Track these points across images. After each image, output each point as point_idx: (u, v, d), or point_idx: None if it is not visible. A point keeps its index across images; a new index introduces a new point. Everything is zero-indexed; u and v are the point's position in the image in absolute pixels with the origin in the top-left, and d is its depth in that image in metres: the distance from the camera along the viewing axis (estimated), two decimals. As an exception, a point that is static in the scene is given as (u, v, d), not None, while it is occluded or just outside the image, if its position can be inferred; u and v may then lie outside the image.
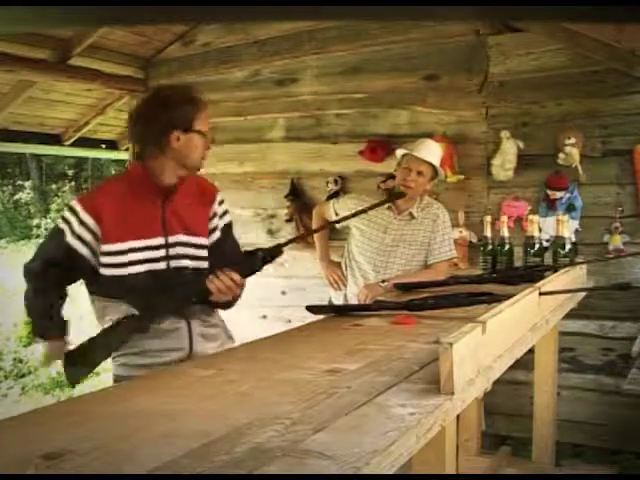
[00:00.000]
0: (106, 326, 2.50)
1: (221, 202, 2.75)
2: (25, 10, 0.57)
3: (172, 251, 2.54)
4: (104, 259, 2.46)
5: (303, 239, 3.20)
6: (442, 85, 4.92)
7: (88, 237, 2.45)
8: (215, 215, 2.70)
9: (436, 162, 3.65)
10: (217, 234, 2.70)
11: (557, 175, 4.50)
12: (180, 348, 2.56)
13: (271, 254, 2.56)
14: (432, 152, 3.67)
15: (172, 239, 2.54)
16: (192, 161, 2.53)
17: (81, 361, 2.49)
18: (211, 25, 5.57)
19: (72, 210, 2.48)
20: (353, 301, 3.74)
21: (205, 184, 2.75)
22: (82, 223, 2.45)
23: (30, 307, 2.61)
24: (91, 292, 2.61)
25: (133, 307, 2.48)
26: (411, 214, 3.73)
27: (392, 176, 4.10)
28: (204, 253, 2.63)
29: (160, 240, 2.52)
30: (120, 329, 2.47)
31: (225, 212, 2.75)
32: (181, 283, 2.53)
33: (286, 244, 2.65)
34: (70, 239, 2.46)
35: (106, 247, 2.45)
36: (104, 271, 2.48)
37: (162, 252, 2.53)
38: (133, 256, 2.47)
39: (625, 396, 3.85)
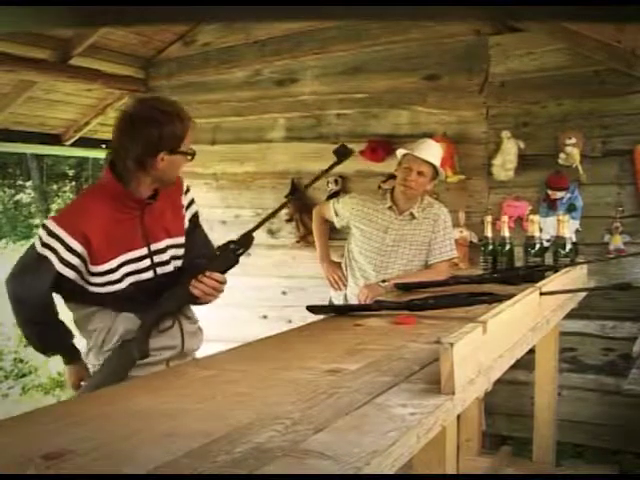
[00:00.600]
0: (106, 357, 2.47)
1: (187, 191, 2.71)
2: (25, 10, 0.57)
3: (156, 258, 2.55)
4: (93, 279, 2.44)
5: (268, 219, 3.16)
6: (443, 85, 4.92)
7: (76, 261, 2.39)
8: (183, 206, 2.69)
9: (437, 162, 3.65)
10: (186, 224, 2.69)
11: (558, 175, 4.49)
12: (173, 346, 2.58)
13: (243, 244, 2.53)
14: (433, 152, 3.67)
15: (154, 247, 2.54)
16: (170, 179, 2.51)
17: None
18: (211, 25, 5.57)
19: (56, 236, 2.39)
20: (353, 301, 3.74)
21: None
22: (69, 249, 2.38)
23: (40, 340, 2.63)
24: (72, 302, 2.57)
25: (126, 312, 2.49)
26: (412, 214, 3.73)
27: (393, 176, 4.10)
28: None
29: (144, 251, 2.52)
30: (122, 359, 2.45)
31: (191, 202, 2.73)
32: (168, 289, 2.53)
33: (254, 229, 2.59)
34: (59, 267, 2.38)
35: (95, 268, 2.42)
36: (93, 289, 2.46)
37: (147, 262, 2.53)
38: (122, 271, 2.47)
39: (626, 396, 3.85)
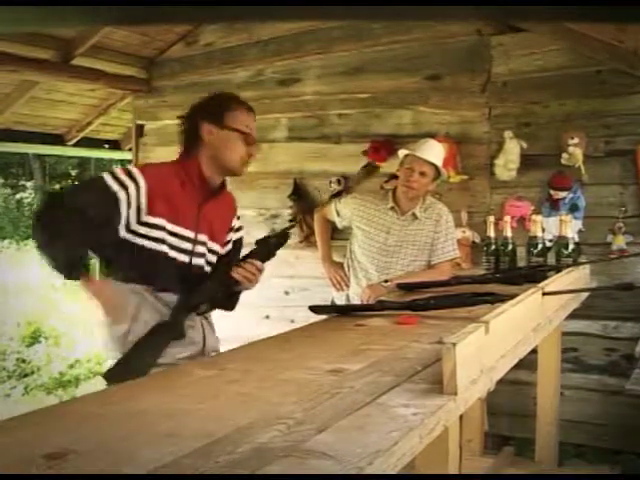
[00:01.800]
0: (140, 338, 2.48)
1: (239, 217, 2.88)
2: (26, 10, 0.58)
3: (196, 248, 2.62)
4: (141, 229, 2.47)
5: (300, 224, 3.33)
6: (445, 85, 4.92)
7: (134, 203, 2.43)
8: (232, 229, 2.83)
9: (439, 162, 3.65)
10: (229, 246, 2.83)
11: (560, 175, 4.49)
12: (197, 342, 2.63)
13: (280, 239, 2.78)
14: (435, 152, 3.66)
15: (200, 237, 2.62)
16: (227, 160, 2.61)
17: (123, 375, 2.36)
18: (214, 25, 5.58)
19: (131, 175, 2.45)
20: (356, 301, 3.74)
21: (232, 197, 2.89)
22: (137, 188, 2.43)
23: (54, 249, 2.41)
24: (109, 274, 2.61)
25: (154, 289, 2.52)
26: (414, 214, 3.72)
27: (395, 176, 4.10)
28: (214, 260, 2.73)
29: (190, 234, 2.59)
30: (156, 339, 2.48)
31: (240, 227, 2.89)
32: (201, 277, 2.61)
33: (291, 227, 2.99)
34: (119, 193, 2.40)
35: (146, 218, 2.46)
36: (135, 240, 2.47)
37: (189, 245, 2.59)
38: (166, 236, 2.51)
39: (628, 396, 3.84)
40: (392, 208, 3.75)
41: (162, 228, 2.50)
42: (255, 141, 2.65)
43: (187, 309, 2.55)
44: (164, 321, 2.50)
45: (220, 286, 2.65)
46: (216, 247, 2.72)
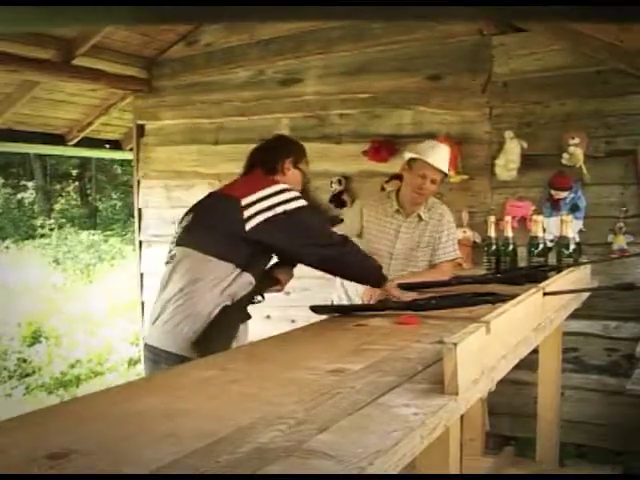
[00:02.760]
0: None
1: None
2: (26, 10, 0.58)
3: None
4: None
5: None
6: (446, 85, 4.92)
7: None
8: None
9: (446, 169, 3.65)
10: None
11: (561, 175, 4.49)
12: (243, 341, 2.79)
13: None
14: (445, 159, 3.63)
15: None
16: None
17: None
18: (214, 25, 5.58)
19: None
20: (357, 302, 3.73)
21: None
22: None
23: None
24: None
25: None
26: (419, 216, 3.71)
27: (396, 176, 4.09)
28: None
29: None
30: (230, 319, 2.71)
31: None
32: None
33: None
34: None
35: None
36: None
37: None
38: None
39: (629, 396, 3.84)
40: (397, 211, 3.72)
41: None
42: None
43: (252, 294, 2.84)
44: (227, 306, 2.70)
45: (268, 283, 2.96)
46: None
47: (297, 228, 2.73)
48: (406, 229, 3.72)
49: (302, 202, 2.83)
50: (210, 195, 3.09)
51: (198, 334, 2.61)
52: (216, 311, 2.64)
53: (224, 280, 2.69)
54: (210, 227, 2.79)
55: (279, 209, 2.71)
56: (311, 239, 2.76)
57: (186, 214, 2.96)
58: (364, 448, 1.23)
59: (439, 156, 3.60)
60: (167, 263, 2.86)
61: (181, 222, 2.95)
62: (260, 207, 2.69)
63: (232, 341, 2.67)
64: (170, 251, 2.88)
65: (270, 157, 3.11)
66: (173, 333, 2.66)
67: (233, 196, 2.78)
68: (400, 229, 3.72)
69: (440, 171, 3.57)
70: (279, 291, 3.05)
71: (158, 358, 2.70)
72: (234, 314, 2.70)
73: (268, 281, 2.94)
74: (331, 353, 2.02)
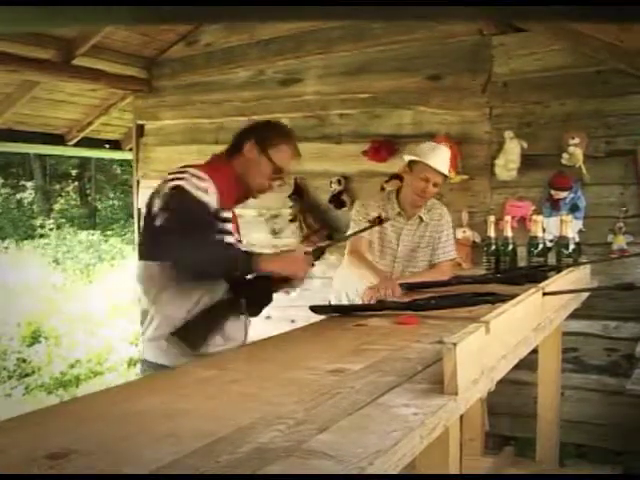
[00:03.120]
0: (205, 308, 2.53)
1: None
2: (26, 10, 0.58)
3: (240, 245, 2.77)
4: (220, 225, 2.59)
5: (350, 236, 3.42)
6: (446, 85, 4.92)
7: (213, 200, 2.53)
8: None
9: (447, 172, 3.64)
10: None
11: (561, 175, 4.49)
12: (238, 338, 2.66)
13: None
14: (446, 161, 3.61)
15: (238, 236, 2.77)
16: (249, 182, 2.74)
17: (190, 336, 2.48)
18: (214, 25, 5.57)
19: (199, 176, 2.52)
20: (357, 301, 3.73)
21: None
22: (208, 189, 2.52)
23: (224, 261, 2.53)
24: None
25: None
26: (420, 218, 3.71)
27: (396, 176, 4.09)
28: None
29: (235, 230, 2.75)
30: (218, 311, 2.55)
31: None
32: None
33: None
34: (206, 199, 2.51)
35: (222, 213, 2.59)
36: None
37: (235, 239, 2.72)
38: (228, 233, 2.63)
39: (629, 396, 3.84)
40: (399, 214, 3.71)
41: (227, 221, 2.64)
42: (283, 177, 2.87)
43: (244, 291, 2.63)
44: (225, 298, 2.57)
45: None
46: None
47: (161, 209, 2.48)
48: (408, 231, 3.72)
49: (177, 182, 2.48)
50: None
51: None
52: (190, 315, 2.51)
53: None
54: (143, 232, 2.69)
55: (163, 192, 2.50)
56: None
57: None
58: (364, 448, 1.23)
59: (440, 158, 3.57)
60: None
61: None
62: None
63: (209, 338, 2.50)
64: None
65: (235, 138, 2.80)
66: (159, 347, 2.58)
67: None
68: (402, 232, 3.71)
69: (442, 174, 3.56)
70: (295, 287, 2.81)
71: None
72: (213, 313, 2.54)
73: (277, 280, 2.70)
74: (331, 353, 2.02)
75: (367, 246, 3.73)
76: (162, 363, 2.52)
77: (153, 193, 2.56)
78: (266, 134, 2.75)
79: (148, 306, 2.59)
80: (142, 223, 2.67)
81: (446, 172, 3.59)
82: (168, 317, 2.51)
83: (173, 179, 2.49)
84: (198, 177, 2.51)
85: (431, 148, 3.65)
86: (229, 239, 2.62)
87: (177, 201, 2.46)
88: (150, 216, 2.51)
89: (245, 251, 2.60)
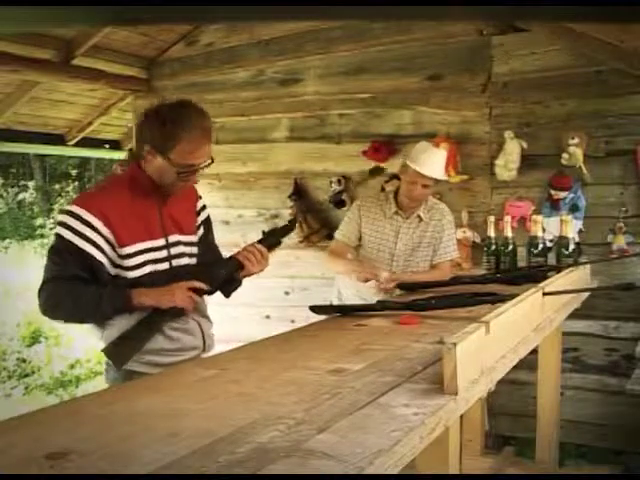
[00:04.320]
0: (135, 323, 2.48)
1: (200, 197, 2.81)
2: (26, 10, 0.58)
3: (172, 251, 2.59)
4: (124, 262, 2.45)
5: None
6: (446, 85, 4.92)
7: (98, 240, 2.39)
8: (198, 212, 2.79)
9: (440, 175, 3.62)
10: (201, 230, 2.78)
11: (561, 175, 4.49)
12: (196, 347, 2.62)
13: (288, 227, 2.93)
14: (436, 165, 3.59)
15: (171, 239, 2.59)
16: (161, 184, 2.52)
17: (120, 352, 2.46)
18: (214, 25, 5.57)
19: (71, 213, 2.40)
20: (357, 301, 3.73)
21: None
22: (88, 225, 2.38)
23: (80, 306, 2.42)
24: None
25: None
26: (419, 217, 3.72)
27: (396, 176, 4.09)
28: (196, 250, 2.72)
29: (161, 241, 2.55)
30: (135, 333, 2.47)
31: (204, 207, 2.82)
32: (188, 278, 2.55)
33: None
34: (80, 242, 2.37)
35: (121, 250, 2.43)
36: (121, 273, 2.46)
37: (164, 253, 2.56)
38: (141, 258, 2.48)
39: (629, 396, 3.84)
40: (396, 212, 3.73)
41: (134, 254, 2.47)
42: (196, 171, 2.52)
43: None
44: (143, 318, 2.48)
45: (227, 269, 2.65)
46: (190, 238, 2.68)
47: None
48: (406, 230, 3.72)
49: (58, 229, 2.43)
50: None
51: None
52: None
53: None
54: None
55: None
56: None
57: None
58: (364, 448, 1.23)
59: (430, 161, 3.57)
60: None
61: None
62: None
63: (130, 357, 2.46)
64: None
65: (135, 137, 2.57)
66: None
67: None
68: (400, 230, 3.72)
69: (430, 177, 3.56)
70: (249, 275, 2.72)
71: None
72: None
73: (232, 265, 2.67)
74: (331, 353, 2.02)
75: (346, 248, 3.80)
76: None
77: None
78: (162, 139, 2.42)
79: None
80: None
81: (434, 175, 3.57)
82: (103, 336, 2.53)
83: (59, 222, 2.43)
84: (80, 218, 2.39)
85: (422, 150, 3.63)
86: (131, 274, 2.46)
87: (54, 251, 2.42)
88: None
89: (117, 288, 2.44)
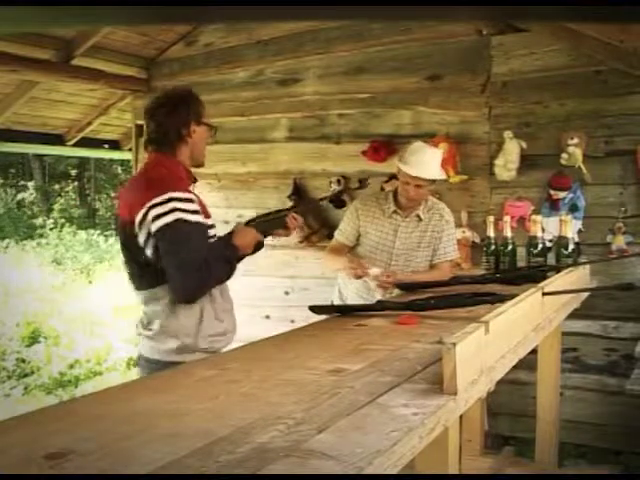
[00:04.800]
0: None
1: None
2: (26, 10, 0.58)
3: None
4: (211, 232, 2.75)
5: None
6: (445, 85, 4.92)
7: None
8: None
9: (432, 174, 3.58)
10: None
11: (560, 175, 4.49)
12: (233, 329, 2.82)
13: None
14: (427, 165, 3.56)
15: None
16: (200, 153, 2.80)
17: None
18: (213, 25, 5.57)
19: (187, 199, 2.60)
20: (356, 301, 3.73)
21: None
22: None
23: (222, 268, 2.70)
24: None
25: None
26: (418, 216, 3.71)
27: (394, 176, 4.09)
28: None
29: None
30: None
31: None
32: None
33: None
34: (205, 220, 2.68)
35: (207, 222, 2.72)
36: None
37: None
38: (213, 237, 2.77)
39: (628, 396, 3.84)
40: (395, 212, 3.73)
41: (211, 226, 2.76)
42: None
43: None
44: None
45: (273, 227, 3.00)
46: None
47: None
48: (405, 229, 3.72)
49: (176, 216, 2.63)
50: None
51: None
52: None
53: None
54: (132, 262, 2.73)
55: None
56: None
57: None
58: (363, 448, 1.23)
59: (421, 162, 3.54)
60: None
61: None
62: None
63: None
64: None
65: (165, 131, 2.75)
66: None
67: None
68: (398, 229, 3.72)
69: (421, 178, 3.55)
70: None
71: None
72: None
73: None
74: (330, 353, 2.02)
75: (343, 248, 3.88)
76: (157, 358, 2.67)
77: (127, 222, 2.60)
78: (198, 107, 2.78)
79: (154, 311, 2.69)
80: (125, 252, 2.71)
81: (423, 175, 3.53)
82: (180, 325, 2.64)
83: (166, 212, 2.53)
84: (187, 200, 2.59)
85: (413, 151, 3.60)
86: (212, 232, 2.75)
87: (182, 235, 2.55)
88: (137, 247, 2.60)
89: (226, 245, 2.76)
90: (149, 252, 2.57)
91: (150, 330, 2.70)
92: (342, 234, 3.88)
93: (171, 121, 2.71)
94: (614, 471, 3.94)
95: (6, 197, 19.35)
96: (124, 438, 1.33)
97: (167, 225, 2.50)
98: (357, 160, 5.19)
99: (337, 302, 3.90)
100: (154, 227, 2.51)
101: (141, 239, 2.56)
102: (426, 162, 3.56)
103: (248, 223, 2.94)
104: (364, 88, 5.20)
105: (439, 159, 3.69)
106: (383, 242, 3.74)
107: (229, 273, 2.72)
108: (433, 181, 3.64)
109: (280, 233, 3.04)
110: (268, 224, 2.99)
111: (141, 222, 2.54)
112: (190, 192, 2.65)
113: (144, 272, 2.66)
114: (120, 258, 2.82)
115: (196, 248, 2.57)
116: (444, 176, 3.80)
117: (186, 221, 2.54)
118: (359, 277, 3.62)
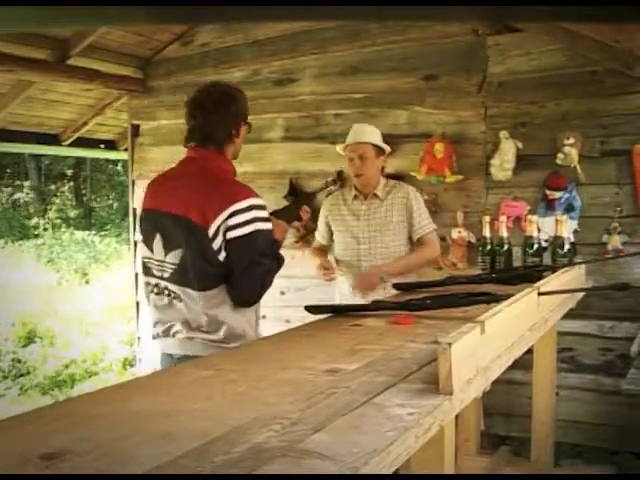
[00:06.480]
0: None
1: None
2: (26, 10, 0.57)
3: None
4: None
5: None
6: (441, 85, 4.92)
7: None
8: None
9: (369, 138, 3.75)
10: None
11: (556, 175, 4.50)
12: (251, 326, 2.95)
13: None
14: (362, 132, 3.79)
15: None
16: (237, 154, 2.92)
17: None
18: (210, 25, 5.57)
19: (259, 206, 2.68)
20: (349, 301, 3.73)
21: None
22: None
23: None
24: None
25: None
26: (376, 195, 3.79)
27: (341, 173, 4.27)
28: None
29: None
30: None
31: None
32: None
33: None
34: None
35: None
36: None
37: None
38: None
39: (624, 396, 3.85)
40: (355, 197, 3.89)
41: None
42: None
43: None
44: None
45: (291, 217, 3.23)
46: None
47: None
48: (366, 211, 3.83)
49: (262, 226, 2.76)
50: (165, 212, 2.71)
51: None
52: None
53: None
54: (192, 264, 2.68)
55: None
56: None
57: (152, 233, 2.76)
58: (359, 448, 1.23)
59: (355, 133, 3.82)
60: (156, 294, 2.79)
61: (153, 245, 2.76)
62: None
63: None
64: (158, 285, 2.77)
65: (216, 132, 2.76)
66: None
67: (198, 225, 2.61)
68: (360, 213, 3.83)
69: (361, 144, 3.74)
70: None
71: None
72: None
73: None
74: (326, 353, 2.02)
75: (322, 247, 4.10)
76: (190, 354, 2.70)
77: (199, 225, 2.60)
78: (246, 107, 2.85)
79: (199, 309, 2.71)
80: (190, 252, 2.65)
81: (361, 140, 3.76)
82: (230, 326, 2.77)
83: (247, 222, 2.61)
84: (263, 207, 2.72)
85: (351, 130, 3.90)
86: None
87: (258, 247, 2.66)
88: (207, 248, 2.62)
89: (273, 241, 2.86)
90: (221, 256, 2.62)
91: (213, 334, 2.74)
92: (319, 233, 4.08)
93: (223, 118, 2.72)
94: (610, 471, 3.94)
95: (2, 197, 19.33)
96: (120, 438, 1.33)
97: (246, 235, 2.60)
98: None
99: (337, 301, 3.92)
100: (232, 234, 2.58)
101: (216, 244, 2.59)
102: (360, 131, 3.82)
103: None
104: (360, 88, 5.21)
105: (377, 133, 3.88)
106: (350, 229, 3.84)
107: (279, 268, 2.85)
108: (379, 152, 3.75)
109: (296, 225, 3.25)
110: (285, 218, 3.11)
111: (219, 227, 2.57)
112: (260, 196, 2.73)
113: (213, 271, 2.66)
114: (171, 257, 2.70)
115: (266, 254, 2.68)
116: (385, 146, 3.85)
117: (262, 231, 2.64)
118: (331, 280, 3.86)
